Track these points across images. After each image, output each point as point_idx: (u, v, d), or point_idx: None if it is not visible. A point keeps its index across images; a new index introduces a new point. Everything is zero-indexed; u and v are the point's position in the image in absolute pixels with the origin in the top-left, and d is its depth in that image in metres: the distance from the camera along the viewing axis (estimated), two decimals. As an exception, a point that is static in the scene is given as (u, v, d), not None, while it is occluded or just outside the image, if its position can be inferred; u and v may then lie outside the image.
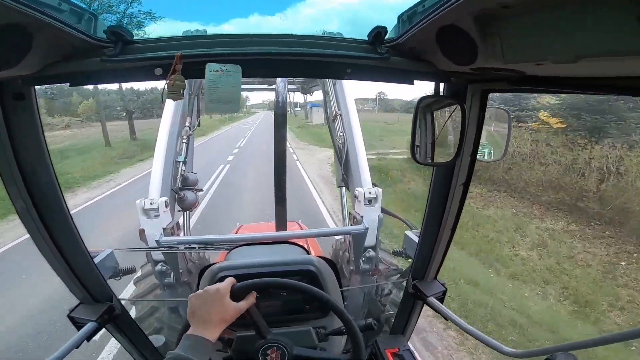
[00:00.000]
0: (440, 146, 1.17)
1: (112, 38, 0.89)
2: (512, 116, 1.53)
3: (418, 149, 1.11)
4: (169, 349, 1.78)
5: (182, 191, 2.64)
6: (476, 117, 1.09)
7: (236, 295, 1.08)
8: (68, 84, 0.96)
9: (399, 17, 0.97)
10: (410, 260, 1.88)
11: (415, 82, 1.03)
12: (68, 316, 1.40)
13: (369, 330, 1.30)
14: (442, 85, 1.07)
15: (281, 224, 2.54)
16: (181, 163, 2.67)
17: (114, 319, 1.45)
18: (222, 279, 1.29)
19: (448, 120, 1.12)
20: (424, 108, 1.09)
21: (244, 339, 1.26)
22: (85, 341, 1.33)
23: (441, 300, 1.51)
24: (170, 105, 2.68)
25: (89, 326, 1.35)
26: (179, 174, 2.66)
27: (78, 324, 1.38)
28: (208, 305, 1.02)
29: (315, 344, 1.32)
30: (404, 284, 1.62)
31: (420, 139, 1.10)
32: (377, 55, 0.95)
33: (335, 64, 0.98)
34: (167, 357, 0.91)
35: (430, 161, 1.16)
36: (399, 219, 2.61)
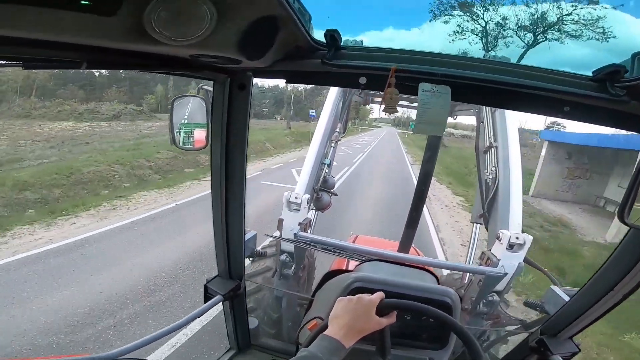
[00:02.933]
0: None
1: (329, 42, 0.94)
2: None
3: (629, 208, 0.92)
4: (258, 333, 1.94)
5: (320, 192, 2.81)
6: None
7: (380, 309, 1.08)
8: (285, 80, 1.08)
9: (635, 56, 0.83)
10: (543, 314, 1.79)
11: None
12: (205, 285, 1.56)
13: None
14: None
15: (406, 246, 2.48)
16: (325, 165, 2.86)
17: (236, 296, 1.60)
18: (357, 290, 1.33)
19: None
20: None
21: (359, 352, 1.23)
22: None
23: None
24: (326, 110, 2.89)
25: (216, 299, 1.51)
26: (322, 175, 2.84)
27: (208, 294, 1.55)
28: (355, 314, 1.03)
29: None
30: (518, 336, 1.52)
31: (635, 196, 0.92)
32: (608, 96, 0.83)
33: (553, 100, 0.89)
34: (302, 354, 0.91)
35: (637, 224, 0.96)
36: (545, 273, 2.28)
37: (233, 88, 1.15)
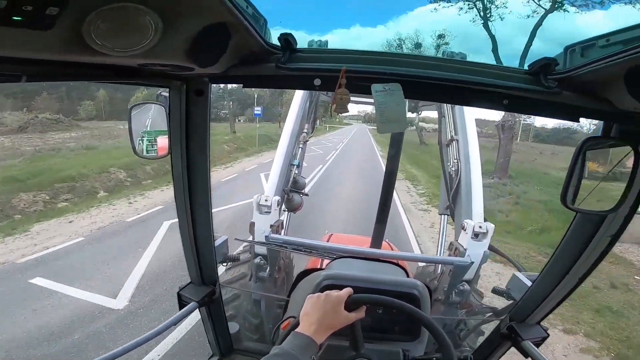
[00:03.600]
0: (593, 192, 1.05)
1: (284, 45, 0.96)
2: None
3: (571, 192, 1.00)
4: (240, 338, 1.94)
5: (291, 193, 2.83)
6: None
7: (349, 305, 1.11)
8: (242, 85, 1.09)
9: (568, 49, 0.90)
10: (510, 301, 1.84)
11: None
12: (178, 293, 1.56)
13: None
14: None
15: (377, 241, 2.54)
16: (295, 166, 2.88)
17: (212, 302, 1.59)
18: (327, 287, 1.35)
19: (615, 166, 1.00)
20: (586, 149, 0.99)
21: (334, 348, 1.26)
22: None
23: (538, 345, 1.44)
24: (293, 111, 2.91)
25: (191, 306, 1.50)
26: (292, 177, 2.86)
27: (182, 302, 1.54)
28: (325, 309, 1.05)
29: None
30: (492, 324, 1.57)
31: (576, 182, 1.00)
32: (542, 89, 0.90)
33: (493, 94, 0.95)
34: (275, 352, 0.93)
35: (581, 207, 1.04)
36: (509, 259, 2.40)
37: (190, 94, 1.14)
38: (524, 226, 10.20)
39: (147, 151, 1.53)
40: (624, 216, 1.06)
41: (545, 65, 0.89)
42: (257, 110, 26.99)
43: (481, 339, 2.54)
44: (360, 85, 0.95)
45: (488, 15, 16.39)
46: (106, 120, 32.31)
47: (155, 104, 1.27)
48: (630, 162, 0.93)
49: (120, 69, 0.85)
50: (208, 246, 1.49)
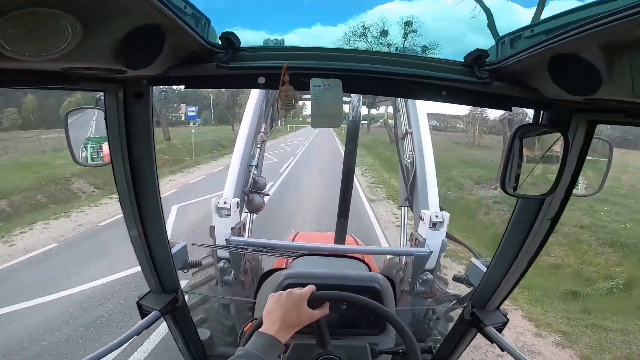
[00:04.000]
0: (530, 177, 1.11)
1: (225, 44, 0.94)
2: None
3: (509, 179, 1.05)
4: (213, 343, 1.90)
5: (251, 194, 2.79)
6: (579, 149, 1.02)
7: (312, 303, 1.10)
8: (183, 87, 1.06)
9: (499, 41, 0.94)
10: (471, 288, 1.86)
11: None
12: (137, 303, 1.50)
13: (427, 354, 1.26)
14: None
15: (341, 237, 2.56)
16: (253, 167, 2.84)
17: (175, 310, 1.54)
18: (289, 286, 1.33)
19: (547, 150, 1.06)
20: (520, 136, 1.04)
21: (301, 347, 1.27)
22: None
23: (500, 331, 1.47)
24: (249, 111, 2.87)
25: (152, 315, 1.45)
26: (251, 177, 2.81)
27: (143, 312, 1.48)
28: (287, 308, 1.04)
29: None
30: (459, 310, 1.59)
31: (512, 168, 1.05)
32: (475, 79, 0.94)
33: (431, 86, 0.97)
34: (239, 353, 0.91)
35: (520, 192, 1.10)
36: (465, 246, 2.50)
37: (128, 97, 1.08)
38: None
39: (92, 159, 1.45)
40: (560, 199, 1.13)
41: (477, 57, 0.93)
42: (191, 111, 22.02)
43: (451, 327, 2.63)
44: (303, 81, 0.94)
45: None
46: (33, 129, 27.61)
47: (96, 108, 1.19)
48: (560, 148, 0.99)
49: (43, 74, 0.79)
50: (164, 254, 1.43)
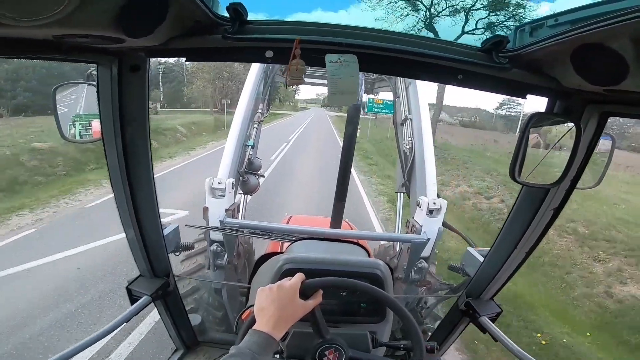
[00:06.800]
0: (537, 166, 1.10)
1: (233, 15, 0.88)
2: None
3: (518, 167, 1.04)
4: (204, 329, 1.89)
5: (246, 175, 2.74)
6: (589, 140, 1.01)
7: (304, 291, 1.07)
8: (184, 59, 0.99)
9: (517, 29, 0.92)
10: (465, 277, 1.87)
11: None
12: (127, 288, 1.46)
13: (430, 353, 1.25)
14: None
15: (337, 221, 2.54)
16: (249, 147, 2.78)
17: (167, 295, 1.51)
18: (288, 271, 1.31)
19: (558, 140, 1.05)
20: (533, 124, 1.02)
21: (300, 335, 1.24)
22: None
23: (493, 321, 1.48)
24: (246, 91, 2.79)
25: (143, 300, 1.41)
26: (246, 158, 2.76)
27: (133, 297, 1.45)
28: (279, 303, 1.00)
29: (369, 349, 1.30)
30: (453, 299, 1.59)
31: (522, 157, 1.03)
32: (493, 64, 0.91)
33: (448, 69, 0.94)
34: (232, 352, 0.88)
35: (528, 181, 1.09)
36: (461, 235, 2.50)
37: (123, 71, 1.01)
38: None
39: (81, 135, 1.39)
40: (565, 190, 1.12)
41: (497, 43, 0.91)
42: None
43: (441, 317, 2.67)
44: (315, 57, 0.90)
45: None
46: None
47: (86, 83, 1.12)
48: (571, 138, 0.98)
49: (32, 42, 0.72)
50: (156, 236, 1.39)
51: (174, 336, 1.74)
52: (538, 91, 0.96)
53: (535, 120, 1.01)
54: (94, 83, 1.08)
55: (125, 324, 1.37)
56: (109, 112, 1.05)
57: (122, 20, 0.67)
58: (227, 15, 0.89)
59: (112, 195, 1.28)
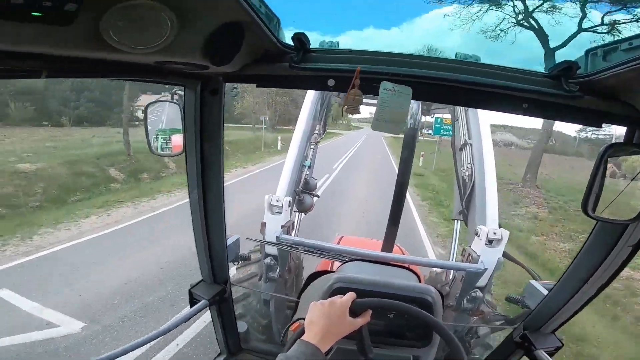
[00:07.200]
0: (614, 199, 1.01)
1: (297, 45, 0.96)
2: None
3: (593, 202, 0.96)
4: (250, 337, 1.94)
5: (302, 194, 2.84)
6: None
7: (354, 310, 1.09)
8: (255, 85, 1.09)
9: (588, 52, 0.87)
10: (524, 309, 1.82)
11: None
12: (189, 291, 1.57)
13: None
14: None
15: (389, 245, 2.51)
16: (306, 167, 2.89)
17: (222, 301, 1.60)
18: (339, 290, 1.33)
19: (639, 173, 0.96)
20: (609, 155, 0.95)
21: (343, 352, 1.26)
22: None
23: (551, 355, 1.41)
24: (305, 111, 2.92)
25: (201, 304, 1.51)
26: (303, 177, 2.87)
27: (193, 300, 1.55)
28: (330, 318, 1.04)
29: None
30: (504, 332, 1.51)
31: (598, 190, 0.96)
32: (563, 92, 0.87)
33: (511, 97, 0.93)
34: (280, 358, 0.92)
35: (605, 216, 1.00)
36: (524, 267, 2.34)
37: (205, 93, 1.15)
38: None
39: (162, 149, 1.56)
40: None
41: (566, 69, 0.87)
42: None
43: (490, 348, 2.50)
44: (372, 86, 0.94)
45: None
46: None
47: (170, 102, 1.29)
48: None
49: (137, 66, 0.86)
50: (220, 245, 1.50)
51: (220, 340, 1.82)
52: (614, 120, 0.90)
53: (612, 151, 0.94)
54: (177, 102, 1.23)
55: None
56: (192, 129, 1.19)
57: (208, 50, 0.78)
58: (292, 44, 0.97)
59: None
